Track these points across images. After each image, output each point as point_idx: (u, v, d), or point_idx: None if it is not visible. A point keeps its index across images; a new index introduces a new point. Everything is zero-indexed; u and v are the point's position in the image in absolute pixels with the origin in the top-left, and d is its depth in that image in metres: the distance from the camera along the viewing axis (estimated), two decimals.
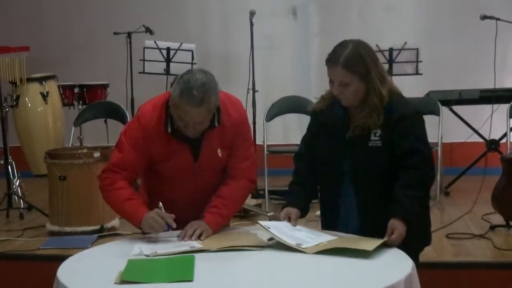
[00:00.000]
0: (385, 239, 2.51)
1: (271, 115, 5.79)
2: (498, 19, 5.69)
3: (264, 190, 5.53)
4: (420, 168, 2.65)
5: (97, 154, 4.73)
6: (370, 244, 2.42)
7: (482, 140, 6.02)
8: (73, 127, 6.19)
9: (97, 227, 4.68)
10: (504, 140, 5.89)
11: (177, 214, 2.71)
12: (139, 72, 6.20)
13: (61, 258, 2.53)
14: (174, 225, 2.66)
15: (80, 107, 6.64)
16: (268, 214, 4.70)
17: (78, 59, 7.62)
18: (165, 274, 2.22)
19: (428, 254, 3.80)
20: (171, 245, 2.58)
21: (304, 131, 2.98)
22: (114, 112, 6.14)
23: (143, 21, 6.52)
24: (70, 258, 2.51)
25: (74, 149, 5.26)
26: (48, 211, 4.93)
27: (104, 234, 4.64)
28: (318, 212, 2.95)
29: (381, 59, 2.84)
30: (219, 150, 2.84)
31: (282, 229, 2.62)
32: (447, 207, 5.36)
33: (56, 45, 7.65)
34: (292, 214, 2.77)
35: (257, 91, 5.96)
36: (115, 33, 6.59)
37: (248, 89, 5.96)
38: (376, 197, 2.71)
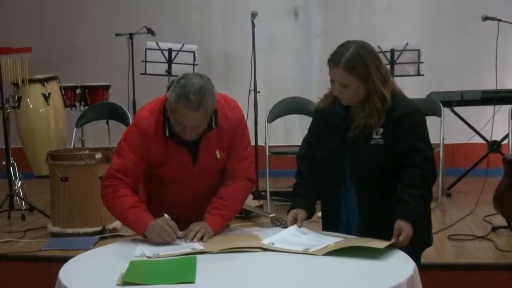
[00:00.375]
0: (393, 241, 2.51)
1: (272, 116, 5.79)
2: (499, 20, 5.69)
3: (265, 191, 5.53)
4: (422, 167, 2.65)
5: (99, 155, 4.73)
6: (379, 243, 2.42)
7: (483, 141, 6.02)
8: (75, 128, 6.19)
9: (99, 228, 4.68)
10: (506, 141, 5.89)
11: (177, 216, 2.71)
12: (141, 73, 6.21)
13: (63, 260, 2.53)
14: (179, 234, 2.67)
15: (82, 108, 6.65)
16: (270, 216, 4.68)
17: (80, 60, 7.63)
18: (167, 276, 2.22)
19: (430, 255, 3.80)
20: (172, 247, 2.58)
21: (306, 132, 2.98)
22: (115, 113, 6.14)
23: (145, 22, 6.53)
24: (71, 260, 2.51)
25: (76, 150, 5.26)
26: (50, 212, 4.93)
27: (106, 236, 4.64)
28: (320, 214, 2.95)
29: (383, 60, 2.83)
30: (217, 152, 2.85)
31: (287, 239, 2.62)
32: (449, 209, 5.35)
33: (58, 46, 7.65)
34: (299, 216, 2.78)
35: (258, 92, 5.95)
36: (117, 34, 6.60)
37: (250, 90, 5.96)
38: (377, 196, 2.71)
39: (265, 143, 5.63)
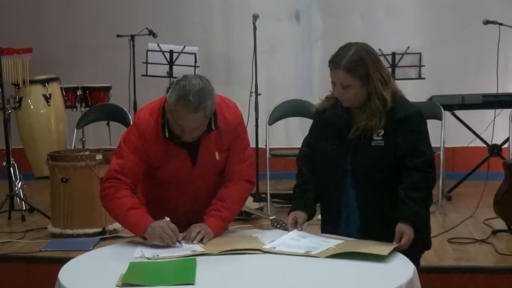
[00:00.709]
0: (395, 244, 2.51)
1: (273, 119, 5.78)
2: (501, 24, 5.69)
3: (266, 193, 5.53)
4: (422, 170, 2.65)
5: (99, 157, 4.74)
6: (382, 248, 2.42)
7: (484, 145, 6.02)
8: (75, 129, 6.18)
9: (99, 229, 4.68)
10: (506, 145, 5.89)
11: (176, 218, 2.71)
12: (142, 75, 6.20)
13: (63, 261, 2.53)
14: (180, 238, 2.66)
15: (82, 109, 6.65)
16: (270, 218, 4.70)
17: (81, 61, 7.64)
18: (167, 277, 2.22)
19: (430, 258, 3.80)
20: (172, 248, 2.58)
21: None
22: (116, 115, 6.14)
23: (146, 24, 6.53)
24: (71, 261, 2.51)
25: (77, 151, 5.26)
26: (50, 213, 4.93)
27: (106, 237, 4.64)
28: (319, 216, 2.95)
29: (384, 63, 2.83)
30: (216, 153, 2.85)
31: (288, 243, 2.61)
32: (449, 212, 5.35)
33: (59, 47, 7.66)
34: (299, 219, 2.78)
35: (259, 94, 5.96)
36: (118, 36, 6.60)
37: (251, 92, 5.97)
38: (377, 197, 2.71)
39: (266, 145, 5.63)
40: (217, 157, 2.85)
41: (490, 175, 5.21)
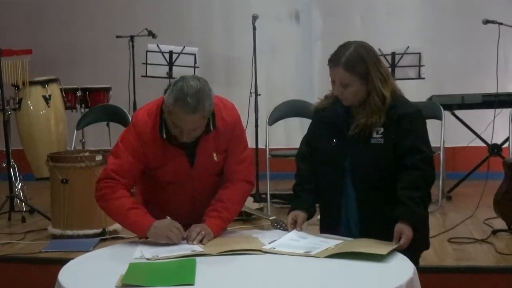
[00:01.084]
0: (394, 244, 2.51)
1: (273, 119, 5.78)
2: (500, 23, 5.69)
3: (266, 193, 5.53)
4: (421, 168, 2.65)
5: (99, 158, 4.74)
6: (381, 248, 2.42)
7: (484, 145, 6.02)
8: (75, 131, 6.19)
9: (99, 230, 4.69)
10: (506, 145, 5.89)
11: (175, 219, 2.71)
12: (142, 76, 6.20)
13: (63, 261, 2.53)
14: (181, 237, 2.67)
15: (82, 110, 6.65)
16: (270, 218, 4.70)
17: (81, 62, 7.63)
18: (166, 278, 2.22)
19: (429, 258, 3.80)
20: (172, 249, 2.58)
21: None
22: (116, 116, 6.14)
23: (146, 25, 6.54)
24: (71, 262, 2.51)
25: (76, 152, 5.26)
26: (50, 214, 4.93)
27: (105, 238, 4.64)
28: (319, 216, 2.95)
29: (384, 63, 2.83)
30: (214, 154, 2.84)
31: (288, 244, 2.61)
32: (449, 212, 5.35)
33: (59, 48, 7.65)
34: (299, 218, 2.78)
35: (259, 94, 5.96)
36: (117, 37, 6.60)
37: (251, 92, 5.96)
38: (376, 195, 2.70)
39: (266, 145, 5.63)
40: (215, 158, 2.85)
41: (490, 174, 5.21)
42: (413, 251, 2.60)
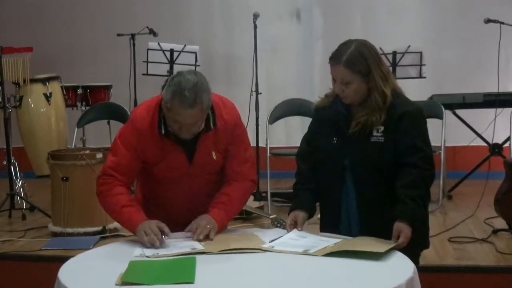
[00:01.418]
0: (393, 243, 2.51)
1: (274, 118, 5.78)
2: (502, 22, 5.68)
3: (266, 192, 5.53)
4: (421, 167, 2.65)
5: (99, 155, 4.74)
6: (380, 246, 2.42)
7: (485, 144, 6.01)
8: (76, 128, 6.19)
9: (99, 228, 4.69)
10: (507, 144, 5.89)
11: (173, 216, 2.71)
12: (143, 74, 6.20)
13: (63, 259, 2.53)
14: (170, 235, 2.65)
15: (83, 108, 6.66)
16: (270, 217, 4.70)
17: (82, 60, 7.64)
18: (166, 276, 2.22)
19: (430, 257, 3.80)
20: (172, 247, 2.58)
21: None
22: (117, 114, 6.14)
23: (147, 23, 6.53)
24: (71, 259, 2.51)
25: (77, 150, 5.27)
26: (51, 212, 4.94)
27: (106, 235, 4.65)
28: (319, 215, 2.95)
29: (385, 62, 2.83)
30: (213, 153, 2.84)
31: (287, 243, 2.61)
32: (450, 211, 5.35)
33: (60, 46, 7.66)
34: (299, 218, 2.78)
35: (260, 93, 5.96)
36: (118, 35, 6.60)
37: (251, 91, 5.95)
38: (376, 193, 2.70)
39: (266, 144, 5.63)
40: (214, 157, 2.84)
41: (490, 174, 5.20)
42: (412, 250, 2.59)
